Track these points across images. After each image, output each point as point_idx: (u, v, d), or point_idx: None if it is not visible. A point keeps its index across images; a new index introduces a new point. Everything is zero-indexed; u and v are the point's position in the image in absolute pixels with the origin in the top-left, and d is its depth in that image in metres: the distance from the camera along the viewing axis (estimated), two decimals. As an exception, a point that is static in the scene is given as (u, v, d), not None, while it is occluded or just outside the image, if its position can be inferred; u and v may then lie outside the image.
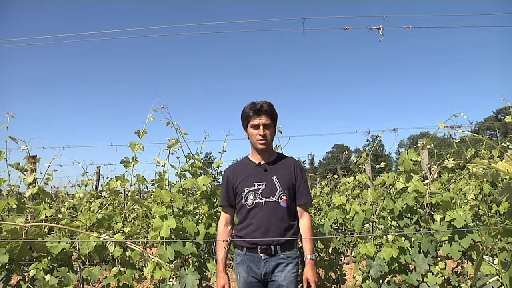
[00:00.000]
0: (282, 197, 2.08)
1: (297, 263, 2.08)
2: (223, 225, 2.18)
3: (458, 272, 2.66)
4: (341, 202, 2.96)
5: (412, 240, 2.49)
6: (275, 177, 2.11)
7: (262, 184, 2.09)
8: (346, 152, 5.29)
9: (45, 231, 2.38)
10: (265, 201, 2.06)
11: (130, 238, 2.62)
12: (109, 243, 2.01)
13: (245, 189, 2.11)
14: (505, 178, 2.72)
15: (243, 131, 2.26)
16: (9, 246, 1.88)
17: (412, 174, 2.48)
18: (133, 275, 2.43)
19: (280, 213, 2.06)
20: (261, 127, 2.10)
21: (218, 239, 2.16)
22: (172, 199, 2.42)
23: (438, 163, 2.83)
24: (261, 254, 2.03)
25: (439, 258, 2.57)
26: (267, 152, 2.19)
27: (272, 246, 2.03)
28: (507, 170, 1.30)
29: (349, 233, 4.35)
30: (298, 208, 2.16)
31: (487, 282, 1.77)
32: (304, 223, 2.14)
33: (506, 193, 1.25)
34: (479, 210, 3.00)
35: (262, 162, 2.18)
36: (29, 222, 1.82)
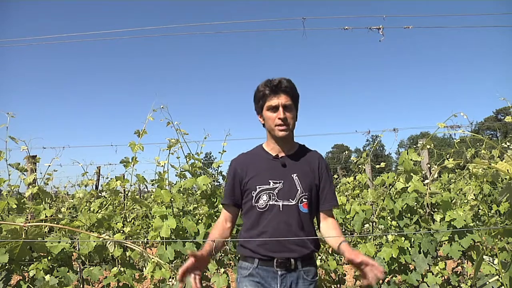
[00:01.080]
0: (303, 200, 1.66)
1: (316, 285, 1.71)
2: (222, 219, 1.77)
3: (458, 272, 2.67)
4: (341, 202, 2.96)
5: (412, 240, 2.49)
6: (295, 174, 1.68)
7: (279, 183, 1.66)
8: (346, 152, 5.29)
9: (45, 231, 2.38)
10: (282, 204, 1.64)
11: (130, 238, 2.62)
12: (109, 243, 2.01)
13: (257, 187, 1.68)
14: (505, 178, 2.72)
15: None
16: (9, 246, 1.88)
17: (412, 174, 2.48)
18: (133, 275, 2.43)
19: (301, 220, 1.64)
20: (281, 109, 1.64)
21: (212, 233, 1.72)
22: (172, 199, 2.42)
23: (438, 163, 2.83)
24: (278, 269, 1.62)
25: (439, 258, 2.57)
26: (288, 142, 1.75)
27: (292, 260, 1.61)
28: (507, 170, 1.30)
29: (349, 233, 4.35)
30: (321, 214, 1.73)
31: (487, 282, 1.77)
32: (330, 221, 1.74)
33: (506, 193, 1.25)
34: (479, 210, 3.00)
35: (281, 155, 1.73)
36: (29, 222, 1.82)
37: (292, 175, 1.68)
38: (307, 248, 1.65)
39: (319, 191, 1.73)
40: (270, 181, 1.68)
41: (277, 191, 1.66)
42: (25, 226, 1.79)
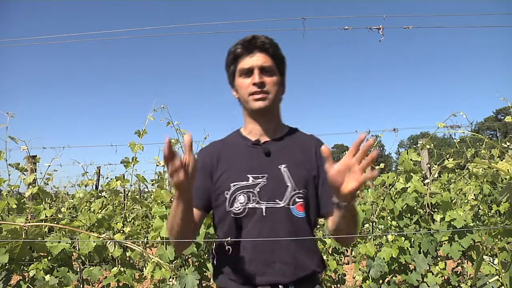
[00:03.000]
0: (296, 200, 1.19)
1: None
2: None
3: (458, 272, 2.66)
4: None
5: (412, 240, 2.49)
6: (284, 166, 1.22)
7: (262, 178, 1.21)
8: (346, 152, 5.28)
9: (45, 231, 2.38)
10: (266, 207, 1.18)
11: (130, 238, 2.62)
12: (109, 243, 2.01)
13: (232, 184, 1.22)
14: (505, 178, 2.72)
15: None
16: (9, 246, 1.88)
17: (412, 174, 2.48)
18: (133, 275, 2.43)
19: (293, 227, 1.18)
20: (256, 71, 1.21)
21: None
22: (172, 199, 2.42)
23: (438, 163, 2.83)
24: None
25: (439, 258, 2.57)
26: (271, 120, 1.29)
27: (280, 286, 1.15)
28: (508, 170, 1.30)
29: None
30: (327, 216, 1.24)
31: (487, 282, 1.77)
32: None
33: (506, 193, 1.25)
34: (479, 210, 3.00)
35: (263, 140, 1.28)
36: (29, 222, 1.83)
37: (280, 167, 1.22)
38: (304, 268, 1.18)
39: (318, 186, 1.25)
40: (248, 175, 1.22)
41: (258, 189, 1.20)
42: (25, 226, 1.79)
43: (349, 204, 1.02)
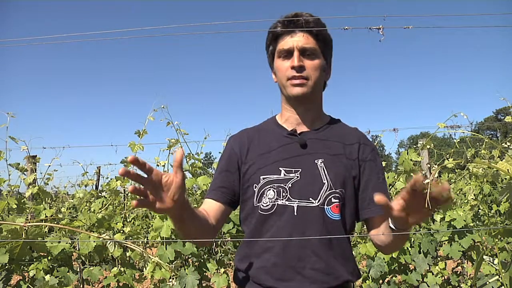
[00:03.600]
0: (333, 200, 1.06)
1: None
2: (203, 211, 1.13)
3: (458, 272, 2.66)
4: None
5: (412, 240, 2.49)
6: (321, 160, 1.09)
7: (295, 172, 1.09)
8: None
9: (45, 231, 2.38)
10: (298, 205, 1.06)
11: (130, 238, 2.62)
12: (109, 243, 2.01)
13: (261, 177, 1.10)
14: (505, 178, 2.72)
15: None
16: (9, 246, 1.88)
17: (412, 174, 2.48)
18: (133, 275, 2.43)
19: (327, 230, 1.05)
20: (296, 53, 1.08)
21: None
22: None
23: (438, 163, 2.83)
24: None
25: (439, 258, 2.57)
26: (310, 109, 1.16)
27: None
28: (508, 170, 1.30)
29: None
30: (371, 221, 1.12)
31: (487, 282, 1.77)
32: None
33: (506, 193, 1.25)
34: (479, 210, 3.00)
35: (300, 130, 1.15)
36: (29, 222, 1.83)
37: (316, 161, 1.09)
38: (337, 276, 1.05)
39: (359, 188, 1.12)
40: (281, 169, 1.09)
41: (290, 185, 1.07)
42: (25, 226, 1.79)
43: (407, 229, 0.94)
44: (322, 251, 1.04)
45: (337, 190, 1.07)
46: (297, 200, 1.06)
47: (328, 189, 1.06)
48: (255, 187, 1.10)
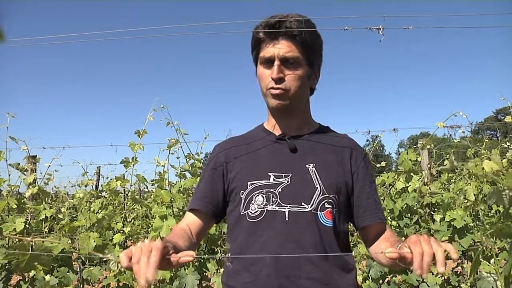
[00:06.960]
0: (326, 206, 1.00)
1: None
2: (184, 226, 1.07)
3: (458, 272, 2.67)
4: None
5: (412, 240, 2.49)
6: (312, 165, 1.04)
7: (286, 177, 1.03)
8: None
9: (45, 231, 2.38)
10: (289, 210, 0.99)
11: (130, 238, 2.62)
12: (112, 263, 2.00)
13: (249, 183, 1.03)
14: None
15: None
16: (16, 260, 1.88)
17: (412, 174, 2.48)
18: (133, 275, 2.43)
19: (321, 238, 0.98)
20: (276, 63, 1.02)
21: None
22: (172, 199, 2.42)
23: (438, 163, 2.83)
24: None
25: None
26: (294, 117, 1.10)
27: None
28: (492, 168, 1.30)
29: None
30: (363, 231, 1.08)
31: (487, 282, 1.77)
32: (384, 234, 1.05)
33: (494, 197, 1.25)
34: (479, 210, 3.00)
35: (289, 135, 1.11)
36: (35, 237, 1.82)
37: (308, 166, 1.03)
38: (335, 287, 0.98)
39: (352, 196, 1.07)
40: (270, 173, 1.03)
41: (280, 190, 1.00)
42: (32, 241, 1.78)
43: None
44: (318, 262, 0.97)
45: (330, 196, 1.01)
46: (288, 205, 0.99)
47: (321, 194, 1.00)
48: (242, 193, 1.03)
